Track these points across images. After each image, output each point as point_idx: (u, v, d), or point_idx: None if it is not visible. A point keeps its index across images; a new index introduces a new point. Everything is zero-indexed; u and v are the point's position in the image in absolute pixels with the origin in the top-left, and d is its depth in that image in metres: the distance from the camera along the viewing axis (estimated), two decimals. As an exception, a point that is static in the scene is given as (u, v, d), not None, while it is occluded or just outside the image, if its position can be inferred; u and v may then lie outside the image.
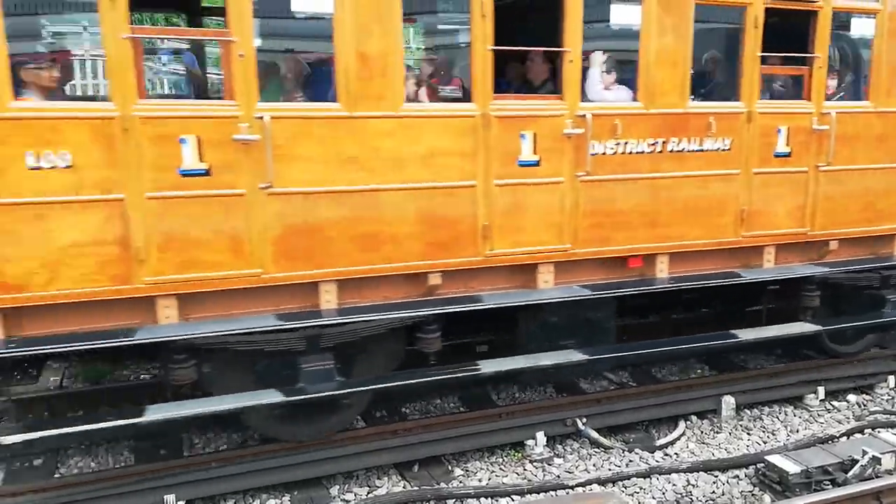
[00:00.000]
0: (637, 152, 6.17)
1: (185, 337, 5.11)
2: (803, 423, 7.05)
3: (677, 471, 6.07)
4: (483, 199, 5.73)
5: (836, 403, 7.45)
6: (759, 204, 6.69)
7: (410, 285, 5.77)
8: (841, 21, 7.40)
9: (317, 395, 5.55)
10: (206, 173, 5.00)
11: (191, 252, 5.03)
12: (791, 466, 5.70)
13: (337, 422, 6.06)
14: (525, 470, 6.12)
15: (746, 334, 6.96)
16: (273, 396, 5.43)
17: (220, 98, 5.48)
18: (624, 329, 7.69)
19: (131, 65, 4.78)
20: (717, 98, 6.91)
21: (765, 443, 6.66)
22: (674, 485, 5.91)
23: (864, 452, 5.76)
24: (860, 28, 7.63)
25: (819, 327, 7.23)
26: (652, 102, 6.17)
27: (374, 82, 5.30)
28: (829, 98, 7.03)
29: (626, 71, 6.44)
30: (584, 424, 6.54)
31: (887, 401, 7.57)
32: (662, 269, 6.51)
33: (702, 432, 6.84)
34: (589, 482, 5.86)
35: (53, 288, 4.78)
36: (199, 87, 7.66)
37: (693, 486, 5.91)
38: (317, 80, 6.05)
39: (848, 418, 7.17)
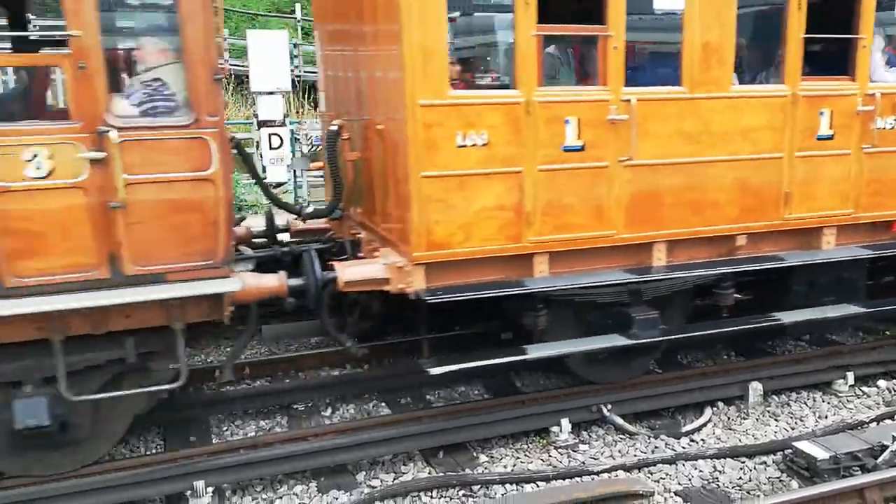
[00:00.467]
0: None
1: (567, 287, 6.14)
2: (832, 409, 6.97)
3: (703, 457, 6.05)
4: (787, 169, 6.60)
5: (865, 389, 7.35)
6: None
7: (715, 246, 6.63)
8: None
9: (647, 340, 6.41)
10: (582, 149, 5.94)
11: (563, 216, 5.98)
12: (819, 452, 5.64)
13: (638, 366, 6.95)
14: (550, 456, 6.14)
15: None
16: (617, 341, 6.33)
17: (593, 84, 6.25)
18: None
19: (535, 57, 5.77)
20: None
21: (793, 429, 6.60)
22: (700, 471, 5.89)
23: (894, 438, 5.69)
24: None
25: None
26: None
27: (711, 68, 6.20)
28: None
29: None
30: (609, 411, 6.52)
31: (918, 386, 7.47)
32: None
33: (728, 419, 6.80)
34: (614, 468, 5.86)
35: (467, 246, 5.76)
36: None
37: (720, 472, 5.88)
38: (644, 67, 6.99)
39: (878, 404, 7.08)
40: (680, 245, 6.46)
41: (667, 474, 5.85)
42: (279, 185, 13.46)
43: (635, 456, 6.11)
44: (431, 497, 5.55)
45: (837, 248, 6.97)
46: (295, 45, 18.38)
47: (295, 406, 6.85)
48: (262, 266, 6.52)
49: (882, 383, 7.46)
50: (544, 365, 7.53)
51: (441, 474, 5.81)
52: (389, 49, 5.63)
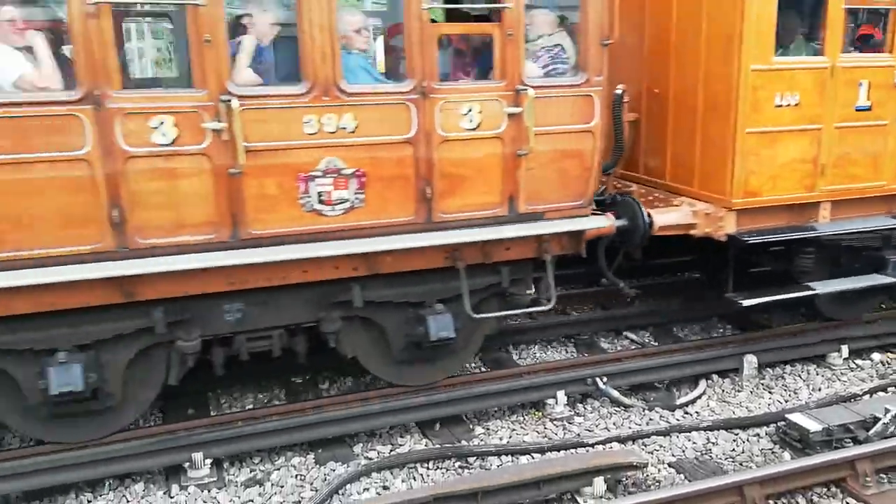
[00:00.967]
0: None
1: (851, 231, 7.06)
2: (826, 382, 7.03)
3: (697, 429, 6.10)
4: None
5: (859, 362, 7.41)
6: None
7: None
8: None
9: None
10: (869, 109, 6.85)
11: (848, 168, 6.90)
12: (812, 424, 5.70)
13: (869, 306, 7.86)
14: (545, 428, 6.19)
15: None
16: (878, 280, 7.17)
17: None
18: None
19: (842, 27, 6.74)
20: None
21: (786, 401, 6.66)
22: (694, 443, 5.95)
23: (887, 410, 5.75)
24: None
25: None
26: None
27: None
28: None
29: None
30: (604, 383, 6.57)
31: (912, 359, 7.52)
32: None
33: (723, 391, 6.85)
34: (609, 440, 5.92)
35: (772, 194, 6.70)
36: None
37: (713, 444, 5.94)
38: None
39: (871, 377, 7.13)
40: None
41: (661, 446, 5.91)
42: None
43: (630, 428, 6.17)
44: (428, 468, 5.61)
45: None
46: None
47: (293, 379, 6.89)
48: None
49: (876, 356, 7.51)
50: (542, 337, 7.62)
51: (437, 446, 5.87)
52: (723, 22, 6.44)
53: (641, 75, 7.45)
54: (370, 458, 5.74)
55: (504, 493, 4.98)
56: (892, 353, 7.62)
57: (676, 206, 6.94)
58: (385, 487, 5.40)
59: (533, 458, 5.73)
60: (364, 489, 5.37)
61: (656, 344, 7.63)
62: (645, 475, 5.42)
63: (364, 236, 5.54)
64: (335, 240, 5.48)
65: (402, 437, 6.06)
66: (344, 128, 5.34)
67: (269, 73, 5.52)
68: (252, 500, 5.30)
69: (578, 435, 6.06)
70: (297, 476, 5.55)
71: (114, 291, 5.13)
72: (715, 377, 7.02)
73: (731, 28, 6.34)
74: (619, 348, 7.63)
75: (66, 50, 5.11)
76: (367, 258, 5.68)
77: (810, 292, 7.02)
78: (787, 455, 5.75)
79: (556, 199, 6.07)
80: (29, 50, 4.94)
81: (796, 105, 6.55)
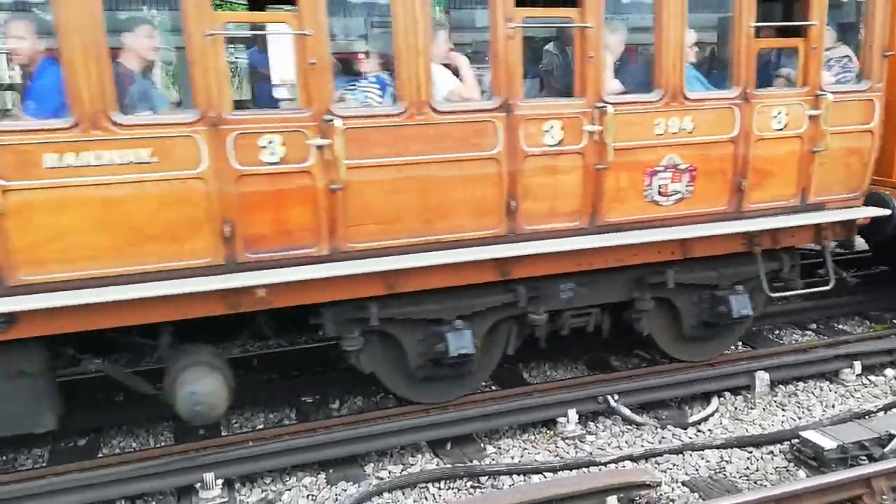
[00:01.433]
0: None
1: None
2: (839, 399, 6.97)
3: (710, 447, 6.06)
4: None
5: (872, 378, 7.34)
6: None
7: None
8: None
9: None
10: None
11: None
12: (827, 442, 5.65)
13: None
14: (557, 447, 6.16)
15: None
16: None
17: None
18: None
19: None
20: None
21: (800, 419, 6.61)
22: (707, 461, 5.90)
23: (902, 427, 5.70)
24: None
25: None
26: None
27: None
28: None
29: None
30: (615, 401, 6.54)
31: (926, 375, 7.46)
32: None
33: (735, 409, 6.80)
34: (621, 459, 5.88)
35: None
36: None
37: (727, 462, 5.89)
38: None
39: (885, 393, 7.07)
40: None
41: (674, 464, 5.86)
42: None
43: (642, 446, 6.13)
44: (439, 488, 5.59)
45: None
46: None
47: (304, 398, 6.89)
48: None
49: (889, 372, 7.45)
50: (552, 355, 7.60)
51: (449, 466, 5.84)
52: None
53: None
54: (381, 478, 5.71)
55: (517, 512, 4.95)
56: (905, 369, 7.57)
57: None
58: (397, 508, 5.38)
59: (545, 477, 5.70)
60: (376, 509, 5.36)
61: (667, 361, 7.59)
62: (658, 494, 5.38)
63: (685, 224, 6.43)
64: (664, 227, 6.39)
65: (413, 456, 6.04)
66: (684, 129, 6.27)
67: (626, 84, 6.43)
68: (263, 521, 5.29)
69: (590, 454, 6.03)
70: (308, 496, 5.53)
71: (494, 271, 6.00)
72: (727, 394, 6.97)
73: None
74: (629, 366, 7.60)
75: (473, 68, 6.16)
76: (683, 244, 6.52)
77: None
78: (801, 473, 5.69)
79: (838, 191, 6.95)
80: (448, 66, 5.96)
81: None
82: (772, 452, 6.02)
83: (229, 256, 5.23)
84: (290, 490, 5.60)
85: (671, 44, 6.11)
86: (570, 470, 5.76)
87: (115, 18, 5.65)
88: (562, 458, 5.98)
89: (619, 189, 6.17)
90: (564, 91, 6.20)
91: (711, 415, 6.65)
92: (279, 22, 5.47)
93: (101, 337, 5.41)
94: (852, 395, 7.04)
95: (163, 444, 6.21)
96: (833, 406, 6.84)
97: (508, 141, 5.75)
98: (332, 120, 5.21)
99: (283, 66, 5.48)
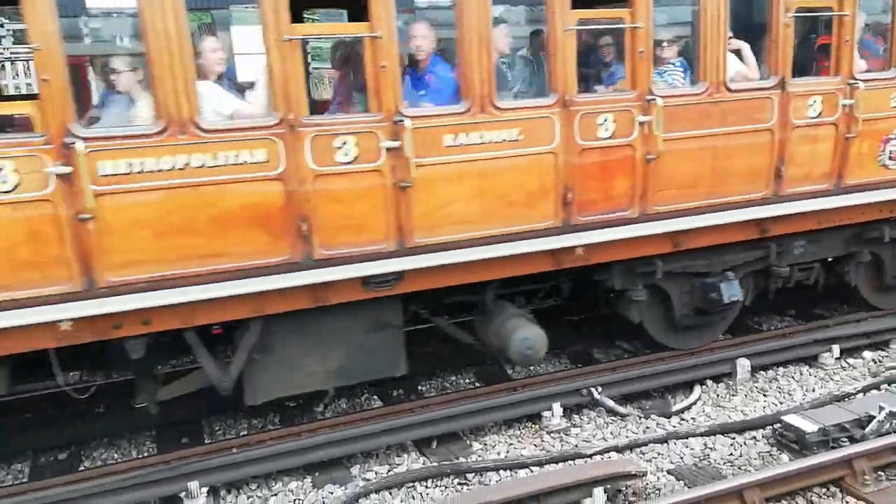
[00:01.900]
0: None
1: None
2: (819, 383, 7.05)
3: (694, 435, 6.10)
4: None
5: (851, 361, 7.44)
6: None
7: None
8: None
9: None
10: None
11: None
12: (808, 425, 5.71)
13: None
14: (543, 441, 6.17)
15: None
16: None
17: None
18: None
19: None
20: None
21: (781, 403, 6.67)
22: (691, 449, 5.94)
23: (881, 408, 5.76)
24: None
25: None
26: None
27: None
28: None
29: None
30: (599, 394, 6.57)
31: (903, 356, 7.57)
32: None
33: (718, 396, 6.86)
34: (606, 450, 5.90)
35: None
36: None
37: (711, 449, 5.93)
38: None
39: (864, 375, 7.16)
40: None
41: (659, 453, 5.90)
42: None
43: (627, 437, 6.16)
44: (426, 487, 5.58)
45: None
46: None
47: (287, 403, 6.85)
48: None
49: (867, 355, 7.54)
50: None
51: (435, 464, 5.84)
52: None
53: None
54: (368, 480, 5.69)
55: (504, 508, 4.95)
56: (883, 350, 7.66)
57: None
58: (384, 508, 5.36)
59: (532, 471, 5.70)
60: (363, 511, 5.34)
61: (649, 351, 7.64)
62: (644, 483, 5.41)
63: None
64: (889, 188, 7.24)
65: (398, 456, 6.02)
66: None
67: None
68: (250, 528, 5.25)
69: (576, 446, 6.04)
70: (294, 501, 5.50)
71: (755, 229, 6.93)
72: (709, 382, 7.03)
73: None
74: (612, 357, 7.63)
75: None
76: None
77: None
78: (784, 457, 5.75)
79: None
80: (737, 53, 6.72)
81: None
82: (754, 438, 6.07)
83: (565, 219, 6.11)
84: (276, 495, 5.56)
85: None
86: (557, 463, 5.77)
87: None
88: (548, 451, 5.99)
89: (861, 155, 7.07)
90: (824, 71, 7.06)
91: (694, 403, 6.70)
92: (617, 18, 6.24)
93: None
94: (832, 379, 7.12)
95: (146, 454, 6.15)
96: (813, 390, 6.91)
97: (781, 114, 6.65)
98: (653, 99, 6.14)
99: (615, 56, 6.69)
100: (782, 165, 6.72)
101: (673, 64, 6.65)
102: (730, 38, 6.53)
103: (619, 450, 5.93)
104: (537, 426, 6.38)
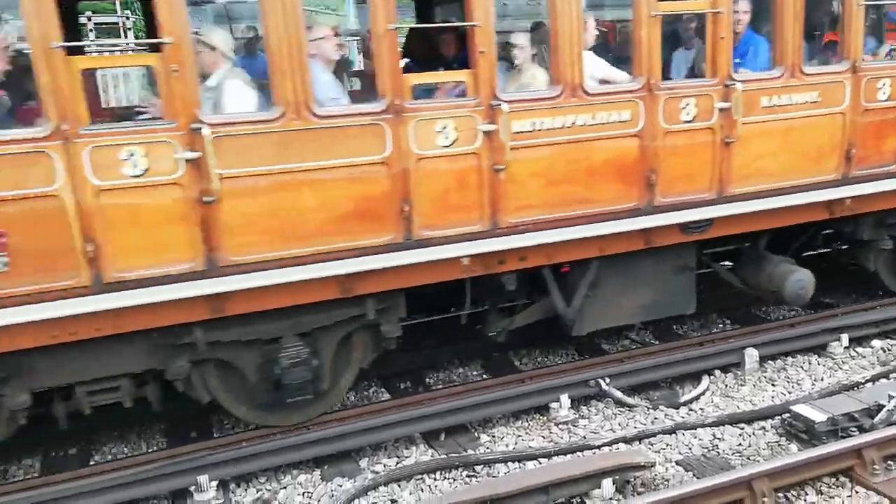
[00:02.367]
0: None
1: None
2: (828, 372, 7.02)
3: (703, 425, 6.09)
4: None
5: (860, 350, 7.40)
6: None
7: None
8: None
9: None
10: None
11: None
12: (817, 415, 5.69)
13: None
14: (551, 433, 6.17)
15: None
16: None
17: None
18: None
19: None
20: None
21: (789, 393, 6.65)
22: (700, 439, 5.94)
23: (891, 397, 5.75)
24: None
25: None
26: None
27: None
28: None
29: None
30: (607, 385, 6.56)
31: (913, 344, 7.53)
32: None
33: (726, 386, 6.84)
34: (615, 441, 5.90)
35: None
36: None
37: (719, 439, 5.93)
38: None
39: (873, 364, 7.13)
40: None
41: (667, 444, 5.89)
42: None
43: (635, 428, 6.15)
44: (435, 479, 5.59)
45: None
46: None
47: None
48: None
49: (876, 343, 7.50)
50: (543, 342, 7.62)
51: (443, 456, 5.84)
52: None
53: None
54: (376, 472, 5.71)
55: (513, 500, 4.94)
56: (892, 339, 7.62)
57: None
58: (393, 501, 5.37)
59: (540, 463, 5.71)
60: (372, 503, 5.35)
61: (657, 342, 7.63)
62: (653, 474, 5.41)
63: None
64: None
65: (407, 448, 6.03)
66: None
67: None
68: (260, 521, 5.28)
69: (584, 437, 6.04)
70: (303, 494, 5.52)
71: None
72: (717, 373, 7.01)
73: None
74: (619, 348, 7.63)
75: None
76: None
77: None
78: (793, 447, 5.74)
79: None
80: None
81: None
82: (763, 428, 6.06)
83: (845, 173, 6.93)
84: (285, 488, 5.59)
85: None
86: (565, 455, 5.77)
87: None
88: (556, 443, 5.99)
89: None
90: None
91: (702, 393, 6.68)
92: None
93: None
94: (840, 368, 7.10)
95: (155, 448, 6.18)
96: (822, 379, 6.89)
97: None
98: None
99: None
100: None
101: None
102: None
103: (627, 441, 5.92)
104: (545, 418, 6.38)
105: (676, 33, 7.26)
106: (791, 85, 6.59)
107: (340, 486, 5.56)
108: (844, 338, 7.37)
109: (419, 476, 5.60)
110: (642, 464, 5.28)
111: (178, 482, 5.45)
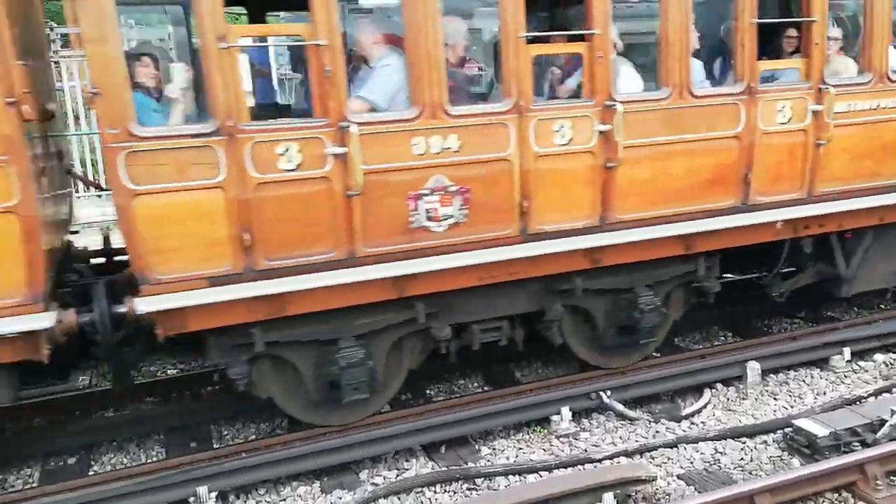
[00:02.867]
0: None
1: None
2: (830, 386, 7.00)
3: (704, 439, 6.07)
4: None
5: (862, 364, 7.39)
6: None
7: None
8: None
9: None
10: None
11: None
12: (819, 429, 5.67)
13: None
14: (551, 445, 6.15)
15: None
16: None
17: None
18: None
19: None
20: None
21: (792, 407, 6.63)
22: (701, 453, 5.91)
23: (893, 412, 5.72)
24: None
25: None
26: None
27: None
28: None
29: None
30: (608, 398, 6.54)
31: (915, 359, 7.51)
32: None
33: (728, 399, 6.82)
34: (616, 455, 5.88)
35: None
36: None
37: (721, 453, 5.90)
38: None
39: (875, 378, 7.11)
40: None
41: (669, 458, 5.87)
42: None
43: (636, 441, 6.13)
44: (435, 492, 5.56)
45: None
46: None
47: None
48: None
49: (879, 357, 7.49)
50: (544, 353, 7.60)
51: (444, 468, 5.82)
52: None
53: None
54: (376, 484, 5.68)
55: (513, 513, 4.93)
56: (894, 353, 7.61)
57: None
58: (393, 513, 5.35)
59: (541, 476, 5.69)
60: (372, 516, 5.33)
61: (658, 355, 7.60)
62: (654, 488, 5.38)
63: None
64: None
65: (407, 461, 6.01)
66: None
67: None
68: (259, 533, 5.25)
69: (585, 451, 6.02)
70: (303, 506, 5.51)
71: None
72: (719, 386, 6.99)
73: None
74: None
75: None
76: None
77: None
78: (795, 461, 5.71)
79: None
80: None
81: None
82: (765, 442, 6.04)
83: None
84: (284, 500, 5.56)
85: None
86: (566, 468, 5.75)
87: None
88: (557, 456, 5.97)
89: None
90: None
91: (704, 407, 6.66)
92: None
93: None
94: (843, 382, 7.07)
95: (154, 458, 6.15)
96: (824, 393, 6.87)
97: None
98: None
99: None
100: None
101: None
102: None
103: (628, 454, 5.90)
104: (546, 430, 6.35)
105: None
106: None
107: (340, 498, 5.53)
108: (847, 351, 7.36)
109: (419, 489, 5.57)
110: (644, 478, 5.25)
111: (177, 493, 5.42)
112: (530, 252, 5.97)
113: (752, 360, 7.06)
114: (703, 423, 6.44)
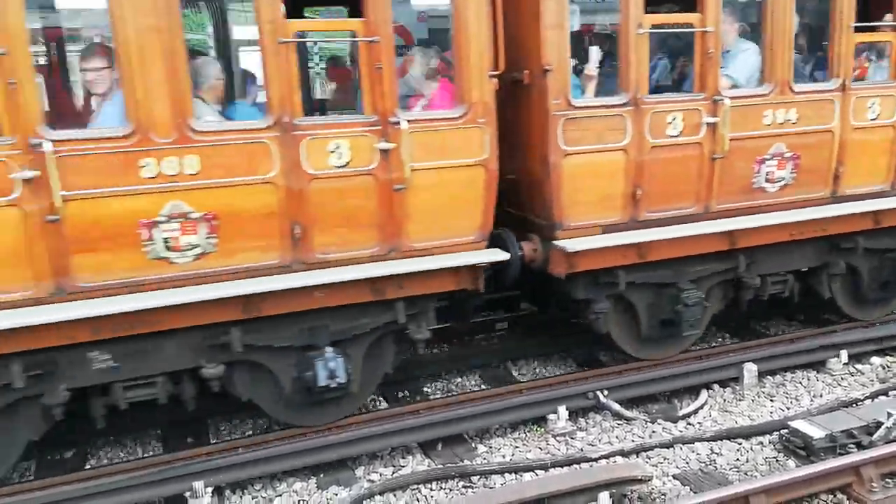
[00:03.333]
0: None
1: None
2: (827, 388, 7.01)
3: (701, 440, 6.07)
4: None
5: (859, 367, 7.40)
6: None
7: None
8: None
9: None
10: None
11: None
12: (815, 431, 5.68)
13: None
14: (548, 444, 6.15)
15: None
16: None
17: None
18: None
19: None
20: None
21: (788, 409, 6.64)
22: (697, 454, 5.92)
23: (889, 414, 5.73)
24: None
25: None
26: None
27: None
28: None
29: None
30: (605, 397, 6.55)
31: (912, 362, 7.53)
32: None
33: (724, 401, 6.83)
34: (612, 454, 5.88)
35: None
36: None
37: (717, 454, 5.91)
38: None
39: (872, 381, 7.12)
40: None
41: (665, 458, 5.87)
42: None
43: (633, 441, 6.14)
44: (431, 489, 5.57)
45: None
46: None
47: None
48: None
49: (875, 360, 7.50)
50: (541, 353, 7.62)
51: (440, 466, 5.82)
52: None
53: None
54: (373, 481, 5.68)
55: (509, 511, 4.94)
56: (891, 356, 7.61)
57: None
58: (389, 510, 5.36)
59: (537, 474, 5.69)
60: (368, 513, 5.33)
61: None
62: (650, 488, 5.39)
63: None
64: None
65: (403, 458, 6.01)
66: None
67: None
68: (255, 528, 5.25)
69: (581, 450, 6.02)
70: (299, 502, 5.50)
71: None
72: (716, 387, 7.00)
73: None
74: (618, 361, 7.61)
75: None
76: None
77: None
78: (791, 463, 5.72)
79: None
80: None
81: None
82: (761, 443, 6.05)
83: None
84: (280, 496, 5.56)
85: None
86: (562, 467, 5.75)
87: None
88: (553, 455, 5.97)
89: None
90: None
91: (701, 407, 6.67)
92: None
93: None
94: (839, 384, 7.08)
95: (151, 453, 6.16)
96: (821, 395, 6.88)
97: None
98: None
99: None
100: None
101: None
102: None
103: (624, 454, 5.91)
104: (543, 429, 6.36)
105: None
106: None
107: (336, 494, 5.54)
108: (843, 354, 7.36)
109: (415, 486, 5.58)
110: (639, 477, 5.26)
111: (173, 488, 5.43)
112: (837, 212, 7.05)
113: (749, 361, 7.06)
114: (699, 423, 6.44)
